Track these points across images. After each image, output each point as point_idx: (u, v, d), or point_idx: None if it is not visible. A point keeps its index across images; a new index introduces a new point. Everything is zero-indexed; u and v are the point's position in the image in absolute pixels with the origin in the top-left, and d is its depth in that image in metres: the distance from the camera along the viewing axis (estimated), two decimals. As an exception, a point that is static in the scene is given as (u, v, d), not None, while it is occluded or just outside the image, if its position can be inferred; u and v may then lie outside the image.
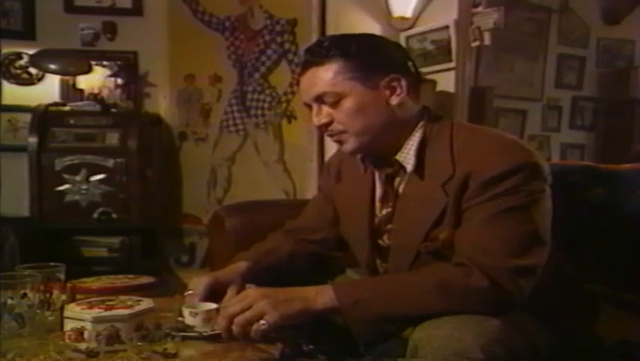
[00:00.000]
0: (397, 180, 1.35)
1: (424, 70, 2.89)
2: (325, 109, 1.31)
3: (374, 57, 1.30)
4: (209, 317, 1.26)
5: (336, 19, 3.35)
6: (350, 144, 1.32)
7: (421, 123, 1.33)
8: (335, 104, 1.29)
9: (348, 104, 1.28)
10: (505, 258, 1.16)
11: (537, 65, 3.93)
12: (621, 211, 1.59)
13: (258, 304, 1.16)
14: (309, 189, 3.49)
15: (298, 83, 1.39)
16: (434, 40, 3.01)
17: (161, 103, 3.62)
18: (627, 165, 1.67)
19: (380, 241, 1.39)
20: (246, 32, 3.63)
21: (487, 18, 2.81)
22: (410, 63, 1.34)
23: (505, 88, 3.65)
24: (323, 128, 1.34)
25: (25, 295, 1.25)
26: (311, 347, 1.17)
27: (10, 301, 1.23)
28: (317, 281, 1.29)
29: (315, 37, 3.42)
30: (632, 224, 1.56)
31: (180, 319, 1.26)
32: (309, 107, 1.35)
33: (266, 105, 3.64)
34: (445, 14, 2.97)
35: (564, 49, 4.01)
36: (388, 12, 3.22)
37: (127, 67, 3.52)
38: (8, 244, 2.82)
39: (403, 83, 1.30)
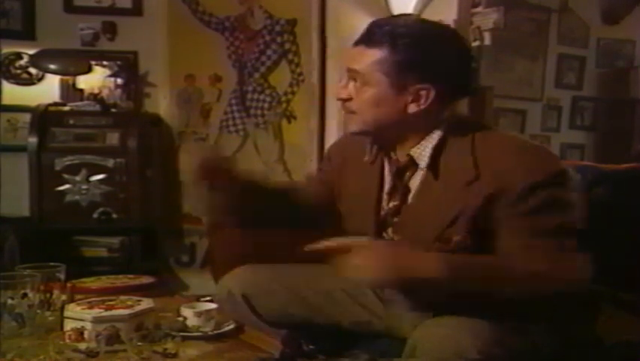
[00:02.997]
0: (407, 174, 1.35)
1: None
2: (351, 86, 1.33)
3: (417, 60, 1.27)
4: (210, 317, 1.26)
5: (336, 19, 3.35)
6: (354, 126, 1.35)
7: (443, 125, 1.31)
8: (357, 88, 1.31)
9: (368, 93, 1.30)
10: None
11: (537, 65, 3.93)
12: (621, 211, 1.59)
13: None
14: (309, 189, 3.49)
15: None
16: (434, 40, 3.01)
17: (161, 103, 3.61)
18: (627, 165, 1.67)
19: (384, 234, 1.38)
20: (246, 32, 3.62)
21: (487, 18, 2.82)
22: (460, 72, 1.31)
23: (505, 88, 3.66)
24: (340, 101, 1.36)
25: (25, 295, 1.25)
26: (311, 347, 1.17)
27: (10, 301, 1.23)
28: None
29: (315, 37, 3.43)
30: (631, 224, 1.56)
31: (180, 319, 1.26)
32: None
33: (266, 105, 3.64)
34: (445, 14, 2.97)
35: (564, 49, 4.02)
36: (388, 12, 3.22)
37: (127, 67, 3.51)
38: (8, 244, 2.82)
39: (432, 94, 1.27)
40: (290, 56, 3.61)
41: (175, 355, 1.09)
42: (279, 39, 3.60)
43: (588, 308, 1.37)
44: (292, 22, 3.58)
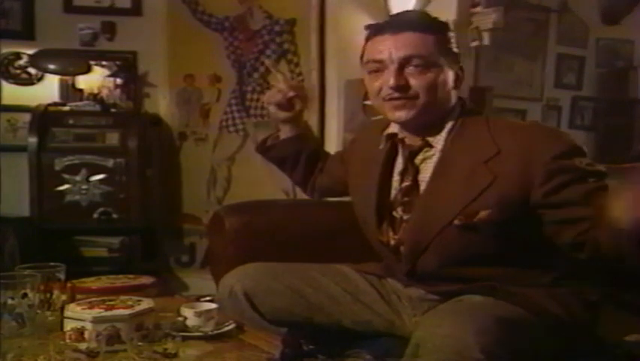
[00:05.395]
0: (419, 157, 1.39)
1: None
2: (409, 72, 1.33)
3: (451, 43, 1.39)
4: (210, 317, 1.26)
5: (335, 19, 3.35)
6: (411, 112, 1.34)
7: (457, 110, 1.39)
8: (419, 72, 1.33)
9: (433, 75, 1.33)
10: None
11: (536, 65, 3.94)
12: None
13: None
14: (309, 189, 3.49)
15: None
16: (434, 40, 3.01)
17: (161, 103, 3.61)
18: (627, 164, 1.67)
19: (394, 213, 1.41)
20: (245, 32, 3.62)
21: (486, 18, 2.82)
22: None
23: (504, 88, 3.65)
24: (389, 91, 1.34)
25: (25, 295, 1.25)
26: (311, 347, 1.17)
27: (10, 301, 1.23)
28: None
29: (314, 38, 3.42)
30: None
31: (180, 319, 1.26)
32: (374, 70, 1.37)
33: (266, 105, 3.64)
34: (444, 14, 2.95)
35: (563, 49, 4.02)
36: (387, 12, 3.21)
37: (126, 67, 3.51)
38: (8, 244, 2.82)
39: (464, 73, 1.41)
40: (289, 56, 3.61)
41: (175, 355, 1.09)
42: (278, 39, 3.60)
43: (588, 308, 1.37)
44: (291, 22, 3.58)
